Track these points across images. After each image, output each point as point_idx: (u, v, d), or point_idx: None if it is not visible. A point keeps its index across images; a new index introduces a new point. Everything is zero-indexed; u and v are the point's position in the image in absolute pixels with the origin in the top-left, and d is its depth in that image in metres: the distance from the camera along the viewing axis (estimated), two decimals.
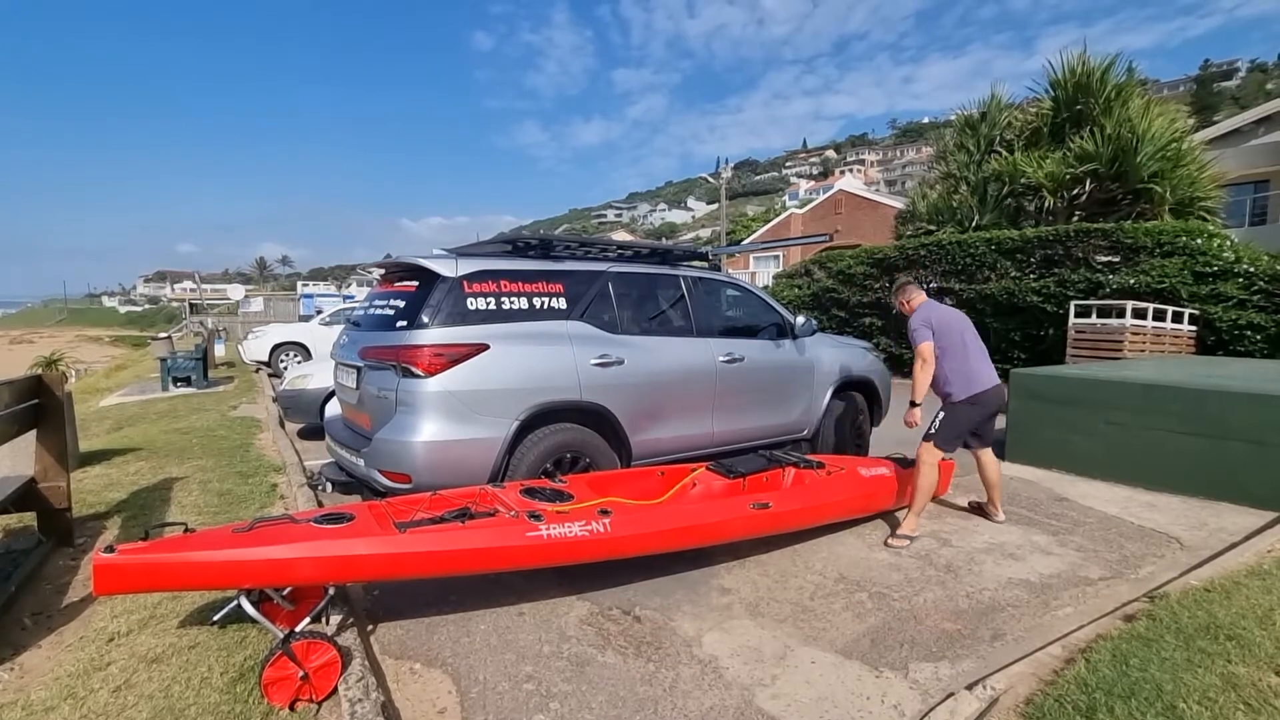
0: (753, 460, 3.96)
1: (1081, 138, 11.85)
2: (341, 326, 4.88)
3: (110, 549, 2.07)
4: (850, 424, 5.20)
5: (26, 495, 3.33)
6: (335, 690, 2.18)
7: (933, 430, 3.84)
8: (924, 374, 3.78)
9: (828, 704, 2.26)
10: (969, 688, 2.22)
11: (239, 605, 2.25)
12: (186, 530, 2.29)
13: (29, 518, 3.55)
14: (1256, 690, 2.08)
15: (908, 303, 4.06)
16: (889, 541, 3.72)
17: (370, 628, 2.77)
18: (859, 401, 5.31)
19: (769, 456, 4.04)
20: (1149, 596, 2.81)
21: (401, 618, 2.86)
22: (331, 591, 2.43)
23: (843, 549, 3.66)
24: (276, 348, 12.67)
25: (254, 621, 2.29)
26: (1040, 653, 2.42)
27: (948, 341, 3.83)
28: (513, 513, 2.76)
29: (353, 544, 2.36)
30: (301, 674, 2.13)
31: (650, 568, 3.37)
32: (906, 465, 4.13)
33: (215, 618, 2.52)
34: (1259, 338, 8.74)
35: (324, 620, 2.59)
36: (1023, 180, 12.45)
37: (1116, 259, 9.71)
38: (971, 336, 3.91)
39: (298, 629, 2.24)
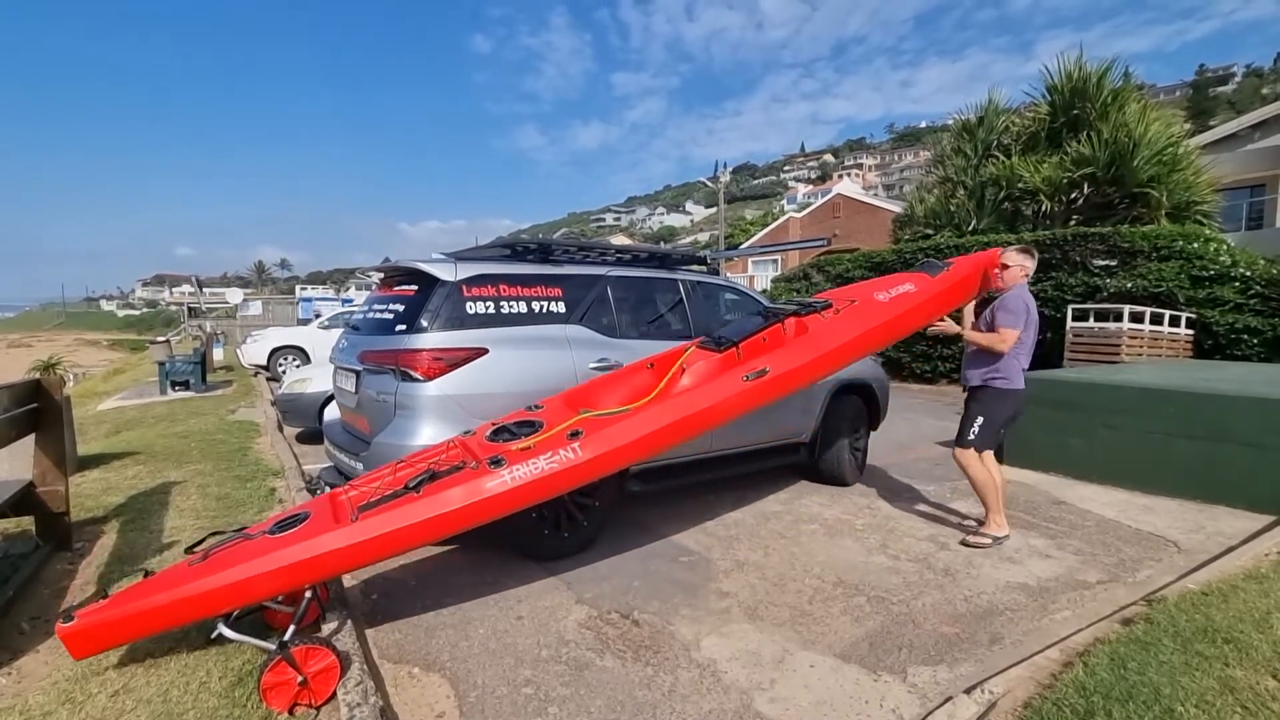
0: (746, 322, 3.58)
1: (1078, 142, 11.91)
2: (340, 330, 4.89)
3: (69, 616, 2.04)
4: (848, 428, 5.20)
5: (25, 499, 3.32)
6: (334, 695, 2.18)
7: (971, 437, 3.73)
8: (988, 343, 3.63)
9: (826, 708, 2.26)
10: (967, 691, 2.22)
11: (220, 633, 2.24)
12: (146, 575, 2.26)
13: (27, 522, 3.54)
14: (1254, 693, 2.08)
15: (1007, 270, 3.73)
16: (968, 540, 3.74)
17: (369, 631, 2.77)
18: (857, 406, 5.31)
19: (765, 312, 3.65)
20: (1146, 600, 2.81)
21: (400, 621, 2.86)
22: (309, 593, 2.36)
23: (841, 553, 3.66)
24: (275, 351, 12.66)
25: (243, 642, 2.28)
26: (1038, 656, 2.42)
27: (1026, 334, 3.67)
28: (474, 463, 2.60)
29: (309, 545, 2.28)
30: (300, 679, 2.13)
31: (649, 573, 3.38)
32: (936, 271, 3.77)
33: (212, 635, 2.47)
34: (1255, 341, 8.77)
35: (320, 625, 2.59)
36: (1020, 184, 12.50)
37: (1114, 263, 9.75)
38: (1035, 333, 3.76)
39: (286, 638, 2.20)
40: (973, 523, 4.15)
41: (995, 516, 3.79)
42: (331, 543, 2.30)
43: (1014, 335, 3.61)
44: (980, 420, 3.73)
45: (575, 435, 2.74)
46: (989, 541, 3.71)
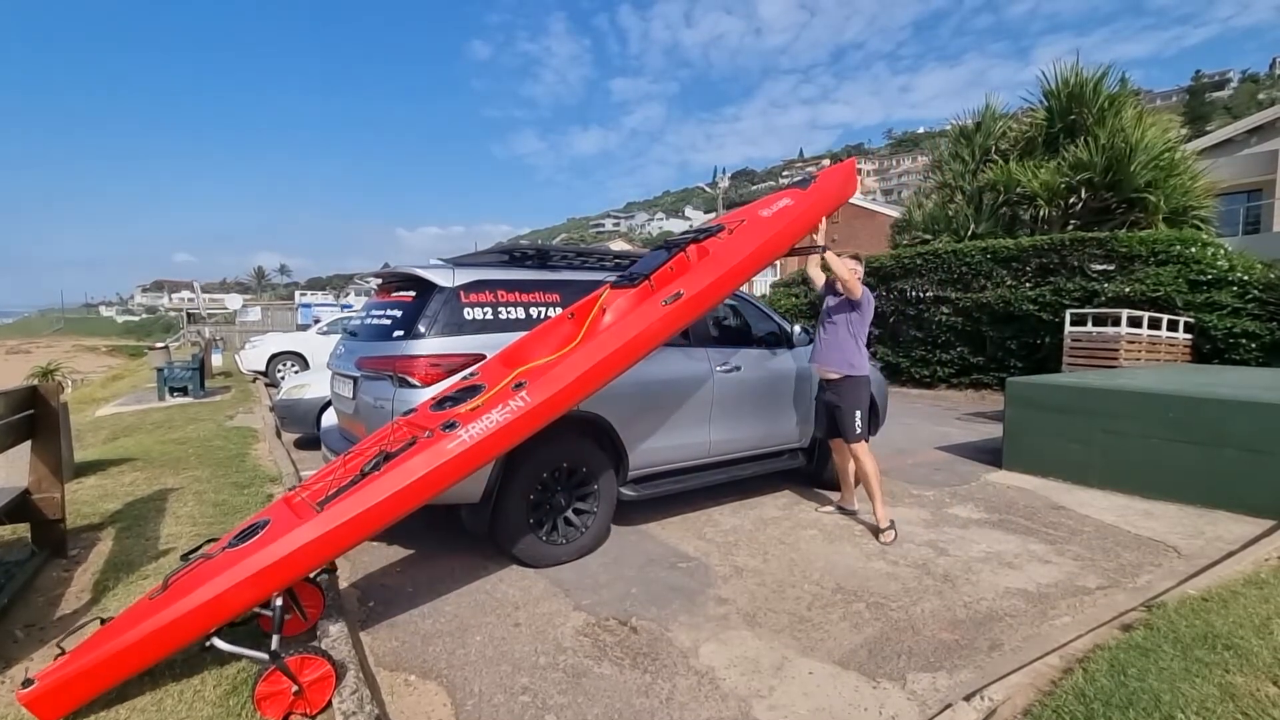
0: (652, 257, 3.80)
1: (1076, 147, 11.92)
2: (339, 336, 4.89)
3: (28, 682, 1.98)
4: None
5: (20, 506, 3.30)
6: (329, 703, 2.17)
7: (859, 430, 4.03)
8: (847, 276, 3.94)
9: (825, 715, 2.25)
10: (967, 698, 2.21)
11: (213, 646, 2.20)
12: (103, 622, 2.21)
13: (22, 529, 3.53)
14: (1254, 700, 2.07)
15: (853, 273, 4.05)
16: (883, 540, 3.90)
17: (365, 639, 2.75)
18: None
19: (667, 244, 3.87)
20: (1146, 606, 2.80)
21: (397, 628, 2.85)
22: (279, 601, 2.25)
23: (840, 559, 3.65)
24: (274, 357, 12.65)
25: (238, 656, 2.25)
26: (1038, 663, 2.41)
27: (865, 327, 4.09)
28: (428, 432, 2.62)
29: (279, 546, 2.22)
30: (295, 689, 2.11)
31: (647, 579, 3.37)
32: (806, 185, 4.16)
33: (205, 645, 2.36)
34: (1254, 345, 8.78)
35: (315, 633, 2.57)
36: (1018, 190, 12.51)
37: (1111, 267, 9.76)
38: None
39: (274, 647, 2.15)
40: (975, 527, 4.15)
41: (882, 508, 4.03)
42: (301, 537, 2.26)
43: (860, 293, 4.00)
44: (858, 413, 4.04)
45: (520, 386, 2.80)
46: (894, 534, 3.92)
